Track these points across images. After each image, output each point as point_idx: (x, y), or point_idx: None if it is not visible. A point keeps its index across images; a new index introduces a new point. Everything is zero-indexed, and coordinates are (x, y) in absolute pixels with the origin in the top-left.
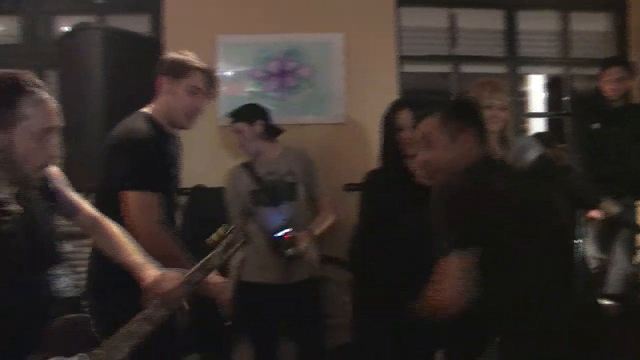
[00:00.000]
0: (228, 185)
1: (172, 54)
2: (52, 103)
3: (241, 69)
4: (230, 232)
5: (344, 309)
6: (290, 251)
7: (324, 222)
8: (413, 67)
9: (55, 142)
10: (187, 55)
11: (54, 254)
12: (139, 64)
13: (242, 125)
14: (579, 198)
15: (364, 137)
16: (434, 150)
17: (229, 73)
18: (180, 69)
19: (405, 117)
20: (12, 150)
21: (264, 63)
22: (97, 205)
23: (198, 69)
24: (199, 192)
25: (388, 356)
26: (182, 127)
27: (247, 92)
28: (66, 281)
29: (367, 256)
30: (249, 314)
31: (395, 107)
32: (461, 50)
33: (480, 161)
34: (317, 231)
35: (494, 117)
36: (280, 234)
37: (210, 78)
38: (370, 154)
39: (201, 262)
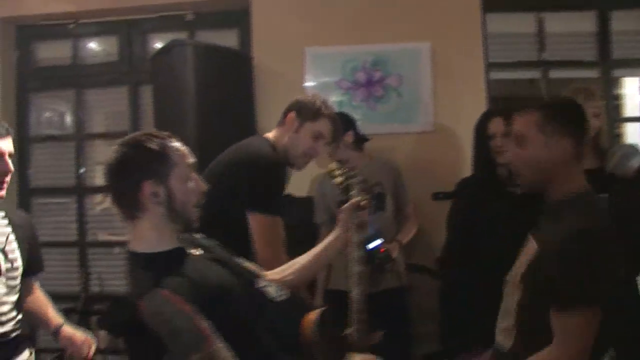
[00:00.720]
0: (316, 193)
1: (308, 97)
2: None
3: (328, 79)
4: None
5: (431, 317)
6: (387, 267)
7: (410, 232)
8: (501, 74)
9: (198, 178)
10: (319, 99)
11: None
12: (230, 78)
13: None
14: None
15: (452, 145)
16: (528, 148)
17: (316, 84)
18: (311, 113)
19: (496, 125)
20: (174, 199)
21: (351, 73)
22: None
23: (327, 116)
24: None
25: None
26: (293, 166)
27: (335, 101)
28: None
29: (457, 265)
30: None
31: (488, 116)
32: (550, 55)
33: (585, 197)
34: (405, 241)
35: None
36: (372, 245)
37: (336, 127)
38: (458, 162)
39: None
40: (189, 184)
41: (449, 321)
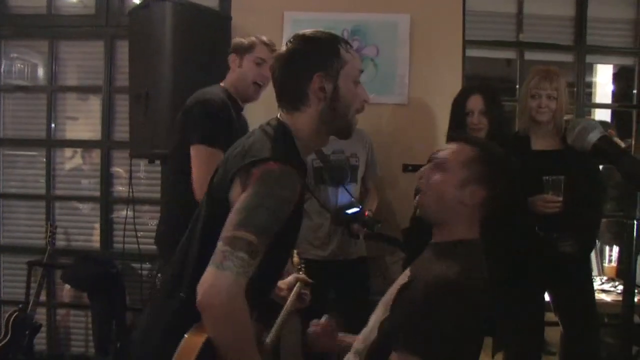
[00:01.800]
0: None
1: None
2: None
3: None
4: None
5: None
6: (378, 227)
7: (373, 205)
8: (478, 51)
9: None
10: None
11: None
12: (208, 38)
13: None
14: (636, 179)
15: (426, 118)
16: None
17: None
18: (247, 45)
19: (475, 102)
20: (339, 97)
21: None
22: (169, 169)
23: (263, 42)
24: None
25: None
26: (250, 97)
27: None
28: None
29: (423, 237)
30: None
31: (467, 92)
32: (528, 36)
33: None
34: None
35: (540, 107)
36: (351, 211)
37: (274, 50)
38: (430, 136)
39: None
40: (356, 87)
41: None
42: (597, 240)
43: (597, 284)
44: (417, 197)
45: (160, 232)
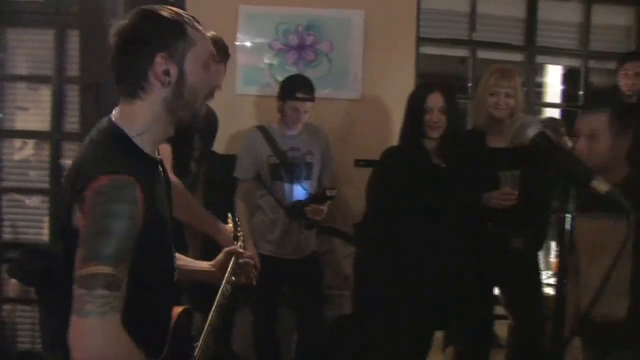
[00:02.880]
0: (244, 148)
1: None
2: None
3: (261, 40)
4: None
5: (346, 281)
6: (333, 191)
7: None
8: (431, 49)
9: (217, 70)
10: None
11: None
12: None
13: (311, 103)
14: (572, 175)
15: (379, 114)
16: (596, 144)
17: (248, 44)
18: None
19: (435, 99)
20: (184, 82)
21: (284, 35)
22: None
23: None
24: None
25: (386, 329)
26: (208, 91)
27: (266, 63)
28: None
29: (377, 232)
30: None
31: (428, 89)
32: (480, 35)
33: None
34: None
35: (499, 105)
36: (304, 198)
37: (217, 43)
38: (383, 132)
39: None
40: (206, 71)
41: (362, 286)
42: (546, 236)
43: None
44: None
45: None
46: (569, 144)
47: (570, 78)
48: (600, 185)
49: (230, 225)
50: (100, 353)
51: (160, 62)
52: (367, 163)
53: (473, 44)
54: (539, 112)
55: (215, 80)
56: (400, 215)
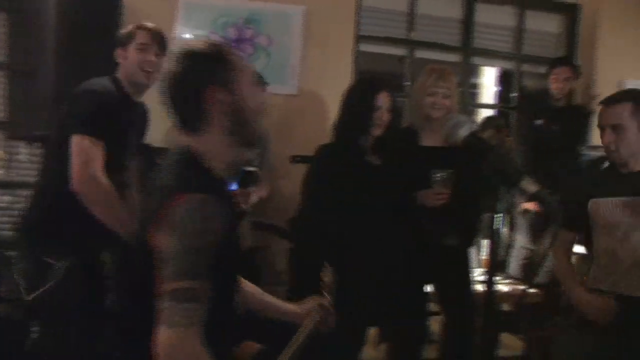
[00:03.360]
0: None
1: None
2: None
3: (199, 32)
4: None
5: (281, 277)
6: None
7: (264, 192)
8: (370, 47)
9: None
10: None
11: None
12: (97, 18)
13: None
14: (502, 175)
15: (315, 109)
16: (622, 134)
17: (187, 35)
18: (127, 35)
19: (385, 98)
20: (238, 105)
21: (223, 28)
22: (48, 155)
23: (141, 27)
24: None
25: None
26: (143, 85)
27: None
28: None
29: (311, 228)
30: None
31: (376, 87)
32: (418, 35)
33: None
34: (256, 199)
35: (436, 104)
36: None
37: (157, 35)
38: (320, 127)
39: None
40: (254, 89)
41: (298, 282)
42: (478, 234)
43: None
44: None
45: (31, 219)
46: (510, 142)
47: (504, 80)
48: (530, 186)
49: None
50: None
51: (213, 95)
52: (303, 159)
53: (411, 44)
54: (474, 113)
55: (261, 95)
56: (335, 212)
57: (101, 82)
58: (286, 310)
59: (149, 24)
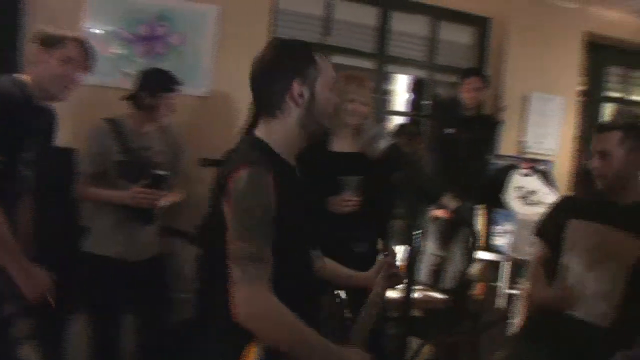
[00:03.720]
0: (93, 142)
1: (46, 28)
2: None
3: (109, 28)
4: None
5: (189, 284)
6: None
7: (176, 197)
8: None
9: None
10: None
11: None
12: None
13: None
14: (423, 191)
15: (228, 112)
16: (609, 161)
17: (96, 31)
18: (56, 38)
19: None
20: (314, 103)
21: (134, 24)
22: None
23: (75, 39)
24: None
25: (229, 333)
26: (55, 97)
27: (114, 53)
28: None
29: (219, 234)
30: (93, 288)
31: None
32: (334, 40)
33: None
34: (167, 203)
35: (355, 112)
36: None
37: (85, 49)
38: (231, 130)
39: None
40: (331, 94)
41: (204, 290)
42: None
43: None
44: None
45: None
46: (422, 150)
47: (417, 88)
48: (450, 202)
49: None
50: (262, 312)
51: (296, 87)
52: (211, 162)
53: (326, 48)
54: (386, 120)
55: (336, 99)
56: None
57: (3, 84)
58: (358, 276)
59: (80, 36)
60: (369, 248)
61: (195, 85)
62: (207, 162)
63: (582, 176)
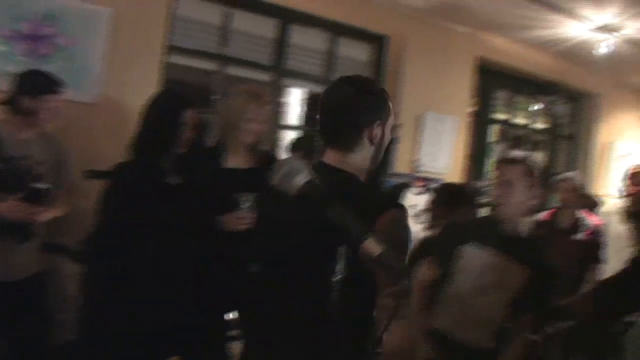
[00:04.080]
0: None
1: None
2: None
3: None
4: None
5: (71, 302)
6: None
7: (59, 211)
8: (180, 58)
9: None
10: None
11: None
12: None
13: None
14: (343, 233)
15: (118, 120)
16: (511, 191)
17: None
18: None
19: (191, 116)
20: (382, 142)
21: (15, 21)
22: None
23: None
24: None
25: (115, 356)
26: None
27: None
28: None
29: (106, 249)
30: None
31: (184, 104)
32: (231, 51)
33: None
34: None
35: (253, 131)
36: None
37: None
38: (122, 140)
39: None
40: (390, 132)
41: (89, 309)
42: None
43: None
44: None
45: None
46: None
47: (312, 102)
48: (374, 246)
49: None
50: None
51: (376, 129)
52: (96, 175)
53: (223, 59)
54: (279, 133)
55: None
56: (131, 234)
57: None
58: None
59: None
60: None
61: (83, 90)
62: (93, 174)
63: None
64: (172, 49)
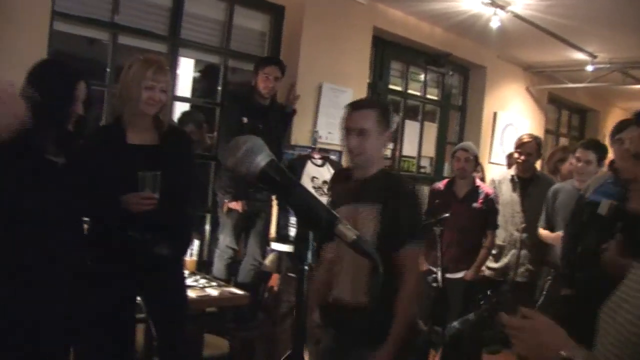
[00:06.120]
0: None
1: None
2: None
3: None
4: None
5: None
6: None
7: None
8: (67, 26)
9: None
10: None
11: None
12: None
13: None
14: (314, 221)
15: None
16: (368, 139)
17: None
18: None
19: (81, 89)
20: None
21: None
22: None
23: None
24: None
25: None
26: None
27: None
28: None
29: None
30: None
31: (77, 76)
32: (123, 19)
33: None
34: None
35: (153, 100)
36: None
37: None
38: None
39: None
40: None
41: None
42: (191, 241)
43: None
44: None
45: None
46: (212, 139)
47: (208, 74)
48: (347, 232)
49: None
50: None
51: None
52: None
53: (114, 27)
54: (173, 106)
55: None
56: (5, 217)
57: None
58: None
59: None
60: (170, 251)
61: None
62: None
63: None
64: (58, 15)
